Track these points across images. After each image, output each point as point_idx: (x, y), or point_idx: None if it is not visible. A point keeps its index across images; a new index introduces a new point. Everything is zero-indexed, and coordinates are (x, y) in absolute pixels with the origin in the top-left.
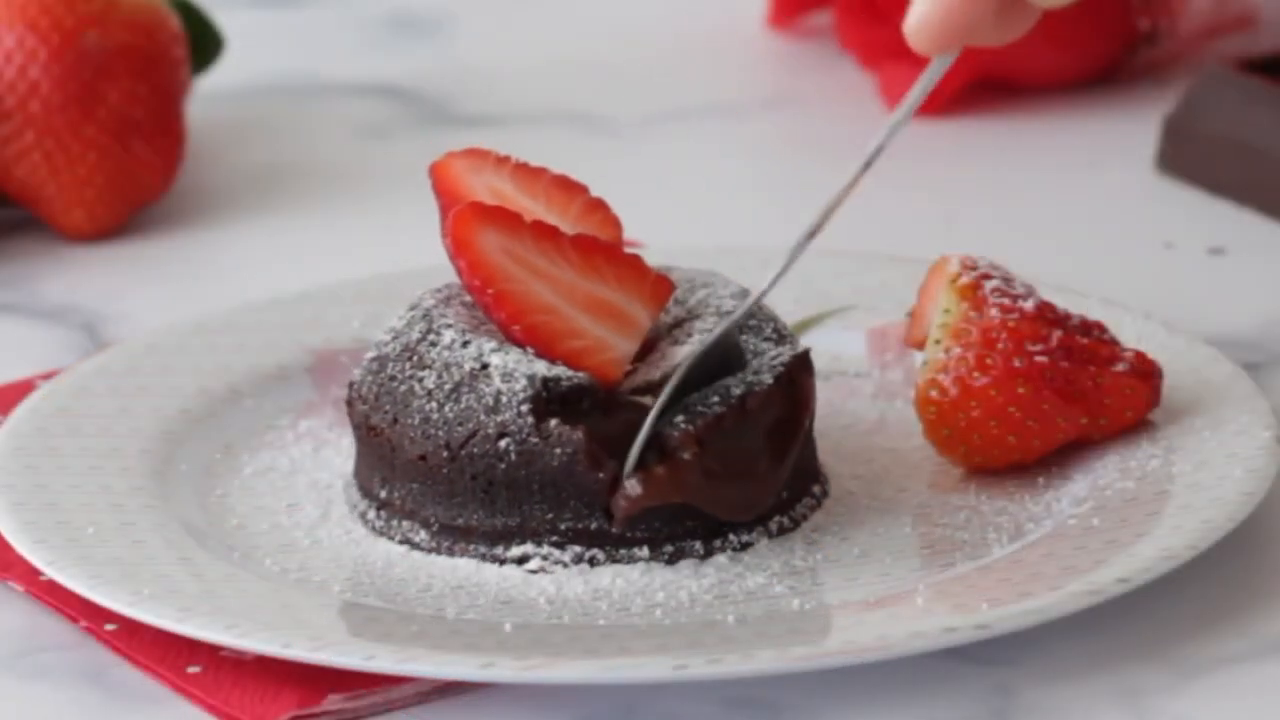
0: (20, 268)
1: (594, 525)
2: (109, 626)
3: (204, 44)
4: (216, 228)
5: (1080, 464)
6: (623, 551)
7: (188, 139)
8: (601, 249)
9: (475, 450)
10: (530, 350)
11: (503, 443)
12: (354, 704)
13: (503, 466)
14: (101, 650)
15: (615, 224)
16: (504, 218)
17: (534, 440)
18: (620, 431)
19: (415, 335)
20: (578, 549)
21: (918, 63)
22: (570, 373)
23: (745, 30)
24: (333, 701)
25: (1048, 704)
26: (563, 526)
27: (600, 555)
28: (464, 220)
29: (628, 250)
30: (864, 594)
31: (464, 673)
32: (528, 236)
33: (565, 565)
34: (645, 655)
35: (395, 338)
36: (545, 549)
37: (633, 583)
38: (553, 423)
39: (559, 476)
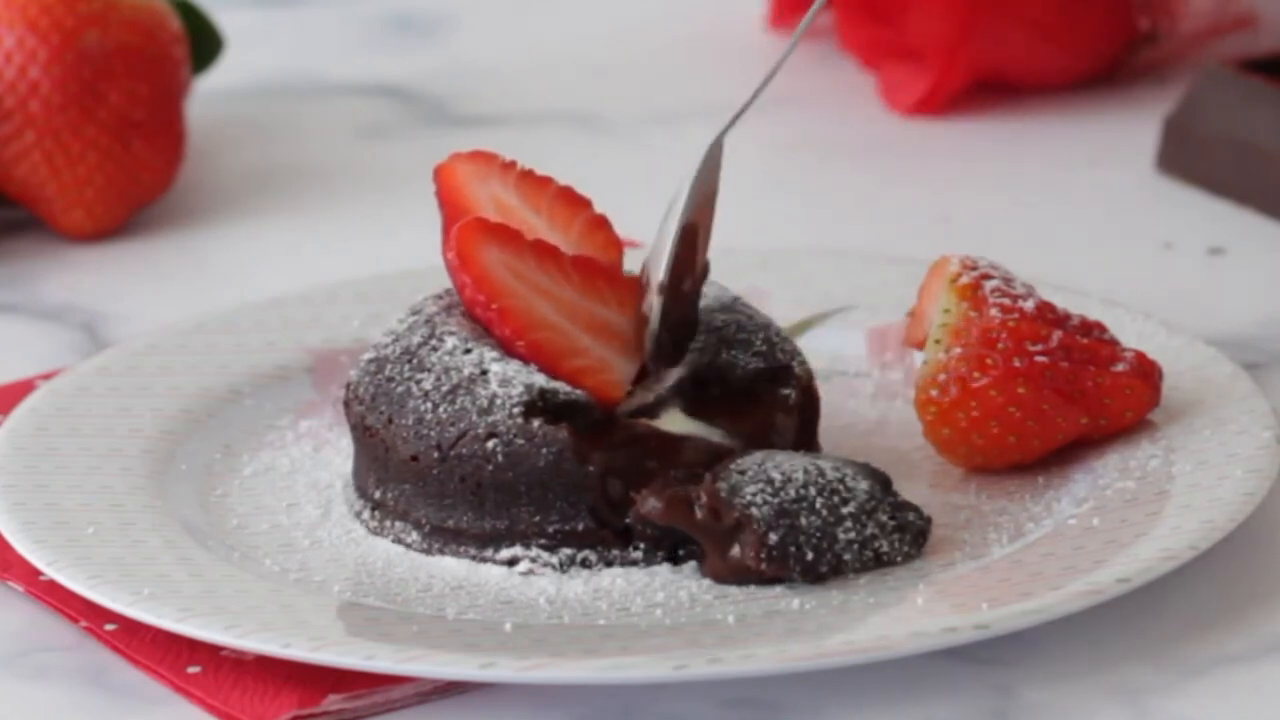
0: (20, 268)
1: (580, 527)
2: (109, 626)
3: (204, 44)
4: (216, 228)
5: (1080, 464)
6: (615, 552)
7: (188, 139)
8: (602, 271)
9: (464, 451)
10: (533, 366)
11: (490, 443)
12: (354, 704)
13: (490, 468)
14: (101, 650)
15: (617, 245)
16: (506, 235)
17: (520, 442)
18: (624, 454)
19: (416, 340)
20: (568, 551)
21: (918, 63)
22: (569, 388)
23: (745, 30)
24: (333, 701)
25: (1048, 704)
26: (550, 529)
27: (592, 557)
28: (468, 235)
29: (626, 246)
30: (864, 594)
31: (464, 673)
32: (530, 255)
33: (554, 568)
34: (645, 655)
35: (395, 340)
36: (534, 551)
37: (633, 583)
38: (536, 423)
39: (545, 477)
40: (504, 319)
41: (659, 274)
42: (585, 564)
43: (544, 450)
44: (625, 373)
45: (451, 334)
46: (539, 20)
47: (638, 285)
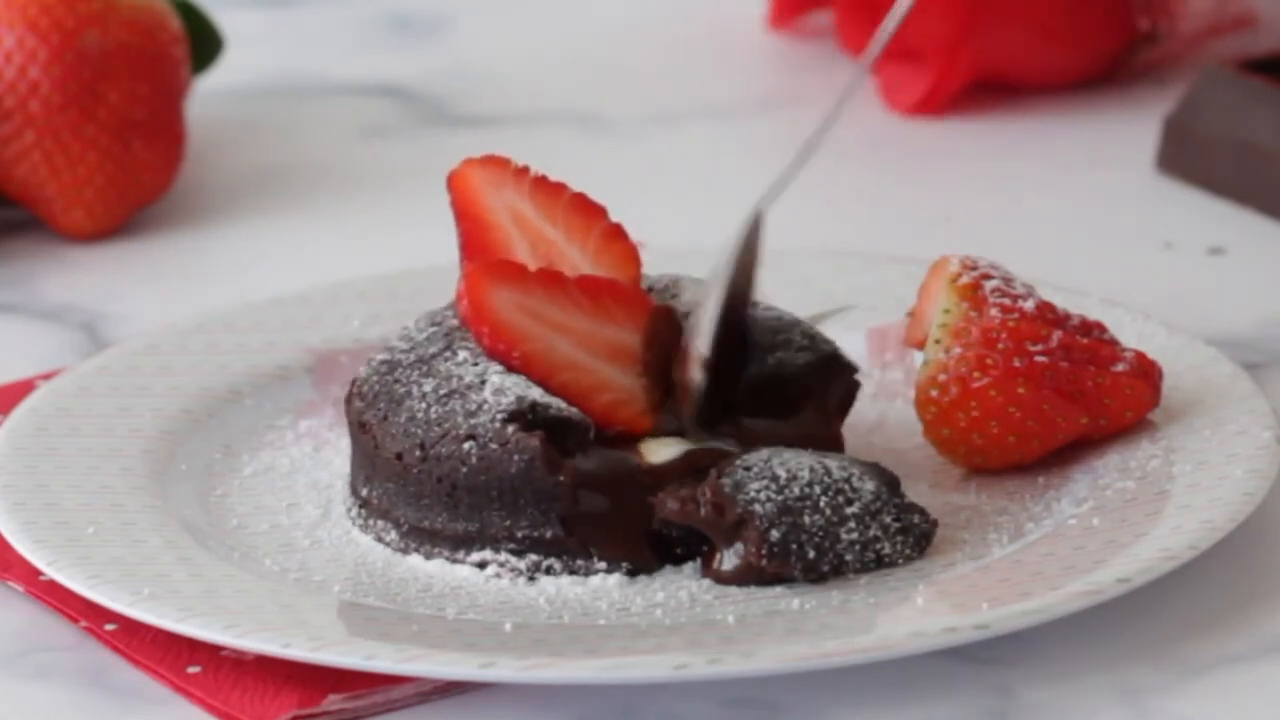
0: (20, 268)
1: (549, 534)
2: (109, 626)
3: (204, 44)
4: (216, 228)
5: (1080, 464)
6: (580, 562)
7: (188, 139)
8: (607, 288)
9: (443, 451)
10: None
11: (467, 445)
12: (354, 704)
13: (464, 470)
14: (101, 650)
15: (634, 256)
16: (512, 272)
17: (494, 446)
18: (600, 470)
19: (433, 350)
20: (534, 557)
21: (918, 63)
22: (562, 404)
23: (745, 30)
24: (333, 701)
25: (1048, 704)
26: (519, 534)
27: (557, 565)
28: (478, 284)
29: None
30: (864, 594)
31: (464, 673)
32: (538, 288)
33: (521, 573)
34: (645, 655)
35: (412, 348)
36: (503, 555)
37: (633, 583)
38: (510, 429)
39: (516, 483)
40: (528, 365)
41: (702, 347)
42: (550, 571)
43: (516, 457)
44: (649, 398)
45: (467, 348)
46: (539, 20)
47: (644, 297)
